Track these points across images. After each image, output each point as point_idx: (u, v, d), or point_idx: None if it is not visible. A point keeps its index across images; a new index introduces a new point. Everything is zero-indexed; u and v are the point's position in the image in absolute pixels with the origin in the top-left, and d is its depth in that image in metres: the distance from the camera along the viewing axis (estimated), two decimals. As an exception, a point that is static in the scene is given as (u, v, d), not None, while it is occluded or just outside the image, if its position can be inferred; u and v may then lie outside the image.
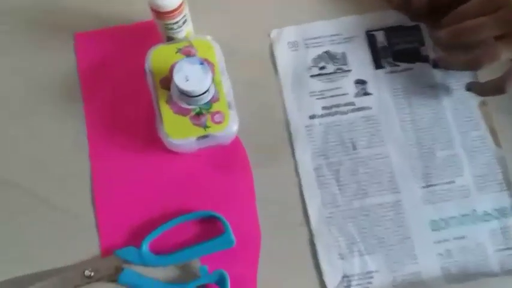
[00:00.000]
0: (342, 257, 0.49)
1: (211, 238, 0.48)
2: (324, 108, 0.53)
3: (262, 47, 0.55)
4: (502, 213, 0.51)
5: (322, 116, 0.53)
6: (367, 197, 0.50)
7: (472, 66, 0.49)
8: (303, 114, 0.53)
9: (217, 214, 0.48)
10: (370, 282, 0.48)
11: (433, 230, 0.50)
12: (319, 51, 0.54)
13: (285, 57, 0.54)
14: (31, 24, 0.54)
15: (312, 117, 0.52)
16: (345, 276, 0.48)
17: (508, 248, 0.50)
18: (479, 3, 0.47)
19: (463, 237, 0.50)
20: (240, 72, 0.51)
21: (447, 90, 0.54)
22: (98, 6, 0.55)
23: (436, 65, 0.54)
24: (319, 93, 0.53)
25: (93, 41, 0.54)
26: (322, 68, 0.54)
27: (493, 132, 0.53)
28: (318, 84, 0.53)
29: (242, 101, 0.50)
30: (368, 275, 0.48)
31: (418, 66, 0.55)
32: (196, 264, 0.48)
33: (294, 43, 0.55)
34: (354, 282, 0.48)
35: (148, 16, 0.47)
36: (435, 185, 0.51)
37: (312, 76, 0.54)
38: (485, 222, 0.50)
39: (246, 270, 0.48)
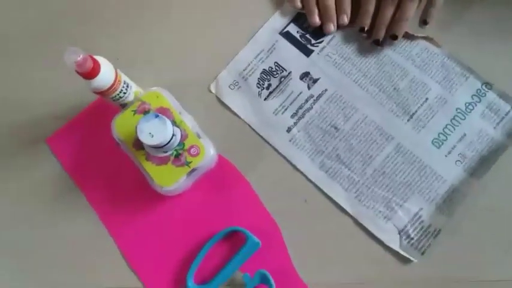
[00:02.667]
0: (387, 218, 0.54)
1: (239, 249, 0.54)
2: (292, 116, 0.57)
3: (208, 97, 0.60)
4: (479, 95, 0.56)
5: (295, 123, 0.57)
6: (373, 159, 0.55)
7: None
8: (280, 133, 0.57)
9: (235, 227, 0.54)
10: (422, 221, 0.53)
11: (438, 147, 0.55)
12: (257, 74, 0.59)
13: (234, 99, 0.58)
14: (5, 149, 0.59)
15: (289, 130, 0.57)
16: (400, 231, 0.53)
17: (502, 119, 0.55)
18: None
19: (464, 135, 0.55)
20: (197, 104, 0.57)
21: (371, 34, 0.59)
22: (52, 108, 0.60)
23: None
24: (281, 107, 0.58)
25: (64, 138, 0.59)
26: (268, 86, 0.58)
27: (430, 40, 0.58)
28: (274, 101, 0.58)
29: (210, 121, 0.56)
30: (416, 216, 0.53)
31: (337, 33, 0.59)
32: (239, 275, 0.54)
33: (233, 83, 0.59)
34: (410, 230, 0.53)
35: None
36: (416, 111, 0.56)
37: (265, 99, 0.58)
38: (472, 112, 0.55)
39: (281, 262, 0.54)
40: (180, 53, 0.61)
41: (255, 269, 0.53)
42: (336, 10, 0.58)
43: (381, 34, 0.57)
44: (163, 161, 0.51)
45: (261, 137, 0.57)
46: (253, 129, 0.57)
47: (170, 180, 0.51)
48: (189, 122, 0.52)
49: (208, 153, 0.51)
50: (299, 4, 0.59)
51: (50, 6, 0.63)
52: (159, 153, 0.50)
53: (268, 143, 0.57)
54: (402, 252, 0.53)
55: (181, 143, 0.51)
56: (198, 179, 0.55)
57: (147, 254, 0.55)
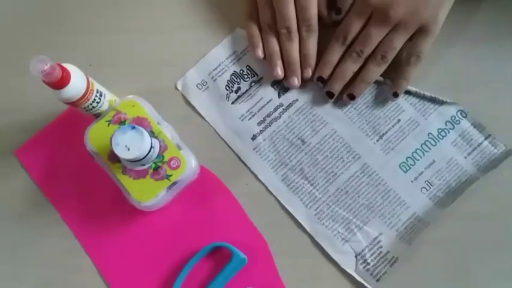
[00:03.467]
0: (345, 240, 0.51)
1: (224, 265, 0.51)
2: (259, 123, 0.55)
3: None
4: (453, 122, 0.54)
5: (261, 131, 0.54)
6: (337, 177, 0.53)
7: None
8: (245, 140, 0.54)
9: (218, 243, 0.51)
10: (380, 246, 0.51)
11: (405, 171, 0.53)
12: (227, 76, 0.56)
13: (201, 100, 0.56)
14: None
15: (254, 137, 0.54)
16: (357, 255, 0.51)
17: (473, 149, 0.53)
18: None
19: (433, 162, 0.53)
20: (176, 113, 0.54)
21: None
22: (20, 117, 0.56)
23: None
24: (248, 113, 0.55)
25: (34, 150, 0.55)
26: (237, 90, 0.55)
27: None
28: (242, 106, 0.55)
29: (190, 130, 0.54)
30: (375, 241, 0.51)
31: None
32: None
33: (202, 83, 0.56)
34: (368, 255, 0.51)
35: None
36: (386, 132, 0.54)
37: (233, 103, 0.55)
38: (444, 139, 0.53)
39: (268, 279, 0.51)
40: (157, 59, 0.57)
41: (242, 286, 0.50)
42: (301, 62, 0.55)
43: (336, 88, 0.53)
44: (141, 175, 0.47)
45: (225, 142, 0.55)
46: (218, 134, 0.55)
47: (149, 195, 0.48)
48: (168, 132, 0.49)
49: (189, 165, 0.48)
50: (261, 54, 0.55)
51: (18, 9, 0.60)
52: (137, 167, 0.47)
53: (231, 149, 0.54)
54: (357, 277, 0.50)
55: (160, 155, 0.48)
56: (179, 192, 0.51)
57: (125, 272, 0.52)
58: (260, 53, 0.55)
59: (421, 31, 0.50)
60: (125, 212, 0.52)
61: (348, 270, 0.51)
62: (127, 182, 0.48)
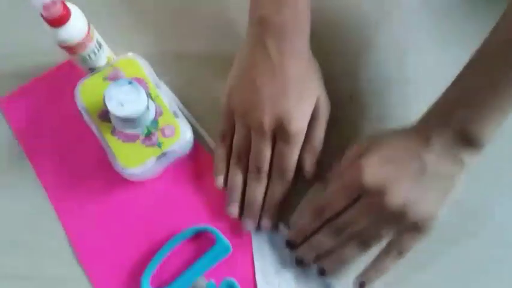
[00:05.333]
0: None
1: (206, 251, 0.46)
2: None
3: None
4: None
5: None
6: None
7: None
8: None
9: (203, 226, 0.47)
10: None
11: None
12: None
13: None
14: None
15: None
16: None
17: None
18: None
19: None
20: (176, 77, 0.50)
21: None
22: (10, 64, 0.52)
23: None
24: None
25: (19, 101, 0.51)
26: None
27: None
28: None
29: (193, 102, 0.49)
30: None
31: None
32: (203, 282, 0.46)
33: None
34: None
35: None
36: None
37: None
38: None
39: (251, 272, 0.47)
40: (168, 17, 0.54)
41: (222, 276, 0.46)
42: (262, 206, 0.48)
43: (308, 257, 0.46)
44: (131, 139, 0.44)
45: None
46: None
47: (136, 161, 0.44)
48: (167, 97, 0.46)
49: (184, 136, 0.45)
50: (221, 184, 0.48)
51: None
52: (128, 129, 0.44)
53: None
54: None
55: (154, 121, 0.44)
56: (168, 166, 0.48)
57: (97, 246, 0.48)
58: (221, 182, 0.48)
59: (413, 227, 0.42)
60: (107, 179, 0.49)
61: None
62: (115, 144, 0.44)
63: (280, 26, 0.43)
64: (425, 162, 0.40)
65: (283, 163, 0.46)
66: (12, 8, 0.54)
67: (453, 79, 0.40)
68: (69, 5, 0.42)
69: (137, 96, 0.41)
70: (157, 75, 0.47)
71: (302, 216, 0.46)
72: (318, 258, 0.46)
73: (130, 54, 0.47)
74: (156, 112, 0.45)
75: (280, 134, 0.45)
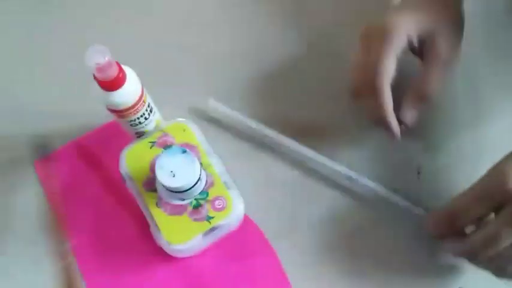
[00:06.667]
0: None
1: None
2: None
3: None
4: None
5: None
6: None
7: None
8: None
9: None
10: None
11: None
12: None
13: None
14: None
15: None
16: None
17: None
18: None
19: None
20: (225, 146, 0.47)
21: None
22: (51, 124, 0.49)
23: None
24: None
25: (57, 163, 0.48)
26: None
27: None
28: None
29: (238, 175, 0.44)
30: None
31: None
32: None
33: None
34: None
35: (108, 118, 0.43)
36: None
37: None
38: None
39: None
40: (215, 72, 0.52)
41: None
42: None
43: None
44: (177, 211, 0.41)
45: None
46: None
47: (183, 236, 0.40)
48: (218, 166, 0.43)
49: (236, 210, 0.41)
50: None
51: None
52: (175, 200, 0.41)
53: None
54: None
55: (204, 192, 0.41)
56: (216, 241, 0.44)
57: None
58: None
59: None
60: (147, 254, 0.44)
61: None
62: (160, 217, 0.40)
63: None
64: None
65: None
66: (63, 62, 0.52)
67: None
68: (124, 67, 0.39)
69: (191, 166, 0.38)
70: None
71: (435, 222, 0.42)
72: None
73: (180, 119, 0.44)
74: (206, 182, 0.41)
75: None
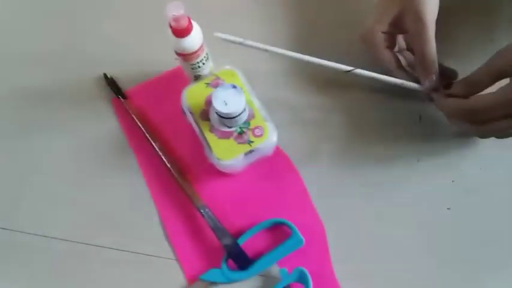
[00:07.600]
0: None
1: (281, 242, 0.52)
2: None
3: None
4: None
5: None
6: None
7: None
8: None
9: (281, 219, 0.53)
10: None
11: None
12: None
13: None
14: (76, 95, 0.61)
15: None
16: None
17: None
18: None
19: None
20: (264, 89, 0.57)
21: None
22: (126, 68, 0.62)
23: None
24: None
25: (128, 101, 0.60)
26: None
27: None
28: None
29: (273, 107, 0.55)
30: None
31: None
32: (275, 269, 0.52)
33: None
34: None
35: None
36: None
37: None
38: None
39: (321, 264, 0.53)
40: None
41: (293, 266, 0.51)
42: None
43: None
44: (226, 135, 0.51)
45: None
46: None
47: (229, 154, 0.51)
48: (257, 103, 0.53)
49: (271, 137, 0.52)
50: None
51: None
52: (224, 127, 0.51)
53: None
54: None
55: (247, 122, 0.52)
56: (253, 162, 0.55)
57: (186, 228, 0.55)
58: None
59: None
60: (199, 171, 0.56)
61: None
62: (212, 140, 0.51)
63: None
64: None
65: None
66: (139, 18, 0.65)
67: None
68: (192, 21, 0.50)
69: (239, 98, 0.48)
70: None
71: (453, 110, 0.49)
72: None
73: (228, 66, 0.54)
74: (249, 114, 0.52)
75: None
